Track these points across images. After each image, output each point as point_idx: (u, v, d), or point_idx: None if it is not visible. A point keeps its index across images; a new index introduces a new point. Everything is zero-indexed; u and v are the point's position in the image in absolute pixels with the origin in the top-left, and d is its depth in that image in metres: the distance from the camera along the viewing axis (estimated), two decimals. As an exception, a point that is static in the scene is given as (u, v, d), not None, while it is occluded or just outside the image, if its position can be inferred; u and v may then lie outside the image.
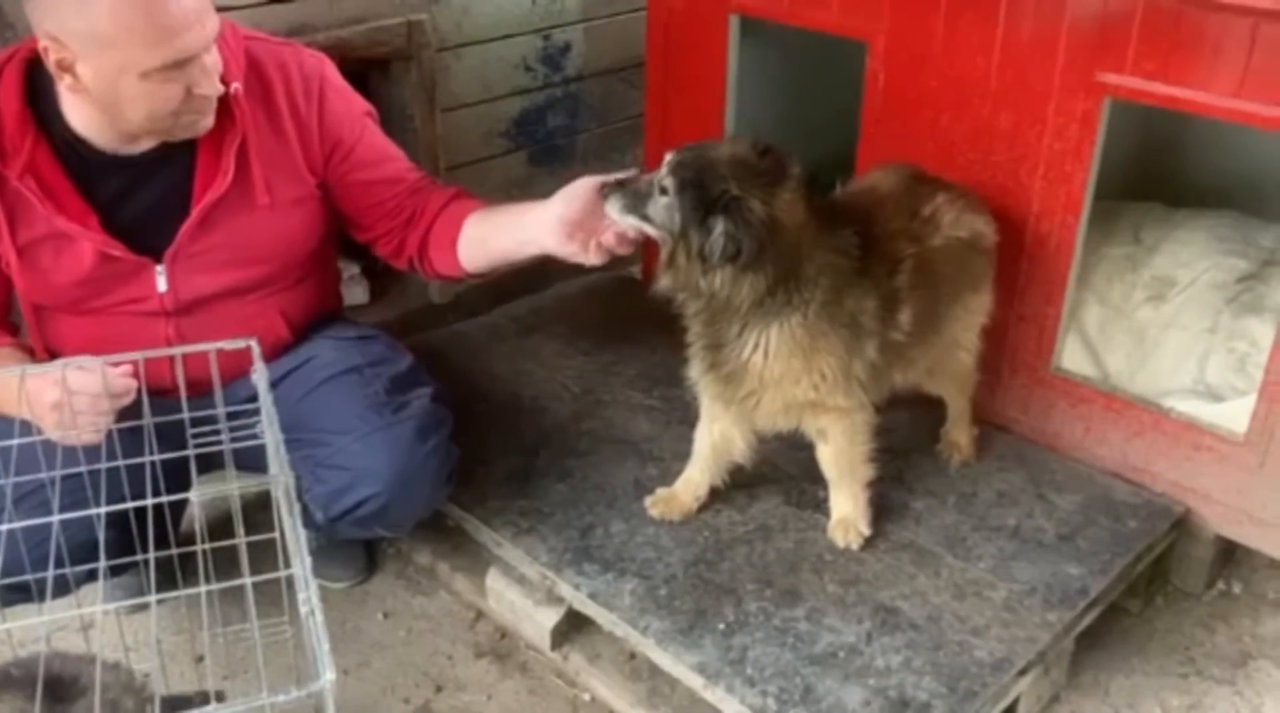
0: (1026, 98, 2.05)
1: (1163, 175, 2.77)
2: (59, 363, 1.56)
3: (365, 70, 2.58)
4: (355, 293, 2.83)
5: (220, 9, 1.68)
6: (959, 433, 2.23)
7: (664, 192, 1.69)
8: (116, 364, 1.55)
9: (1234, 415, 2.05)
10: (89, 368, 1.52)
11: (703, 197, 1.65)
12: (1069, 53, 1.97)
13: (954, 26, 2.10)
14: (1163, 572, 2.18)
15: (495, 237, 1.91)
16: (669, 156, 1.72)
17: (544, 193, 1.87)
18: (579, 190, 1.78)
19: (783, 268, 1.70)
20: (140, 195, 1.78)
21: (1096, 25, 1.92)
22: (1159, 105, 1.94)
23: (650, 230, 1.73)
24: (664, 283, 1.78)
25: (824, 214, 1.78)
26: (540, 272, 2.95)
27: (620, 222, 1.74)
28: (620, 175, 1.77)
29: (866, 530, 2.00)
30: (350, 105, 1.95)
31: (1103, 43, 1.92)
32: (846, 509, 2.00)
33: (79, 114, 1.71)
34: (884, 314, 1.84)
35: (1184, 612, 2.17)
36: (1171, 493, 2.13)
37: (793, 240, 1.70)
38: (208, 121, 1.73)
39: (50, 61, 1.60)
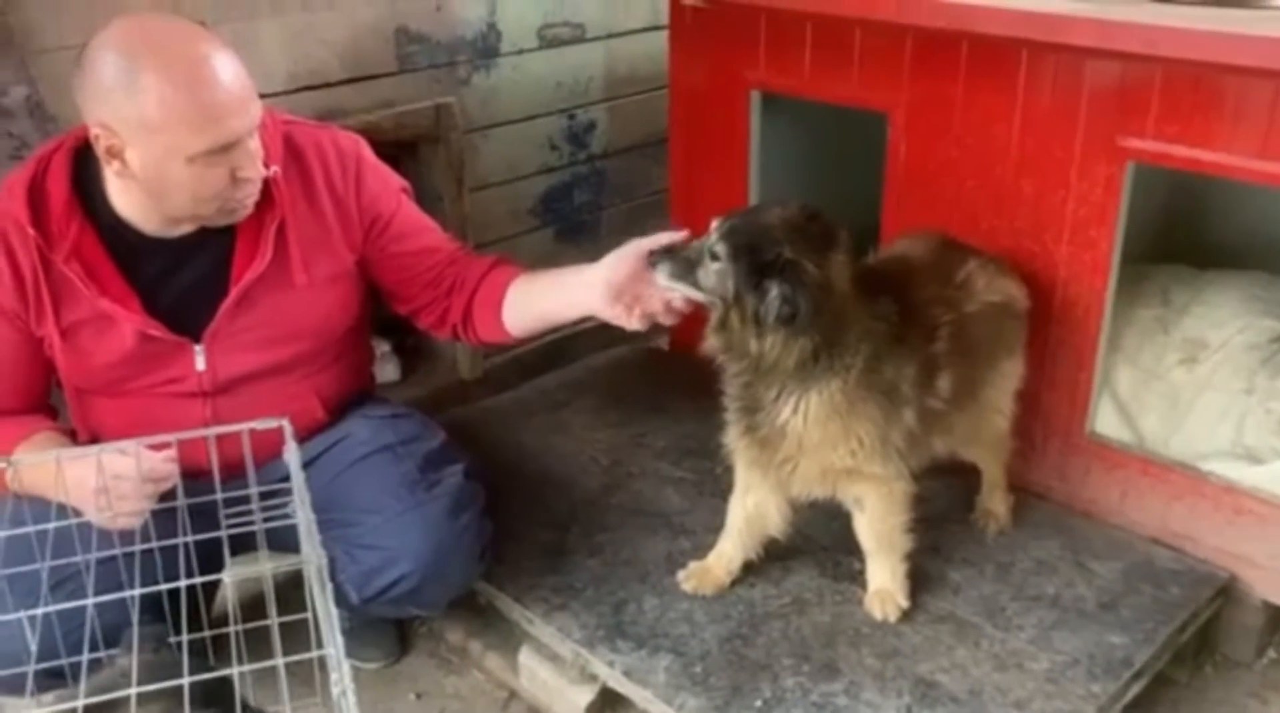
0: (1049, 164, 2.06)
1: (1190, 237, 2.77)
2: (96, 448, 1.57)
3: (395, 153, 2.63)
4: (387, 371, 2.85)
5: (258, 96, 1.72)
6: (995, 501, 2.20)
7: (716, 257, 1.69)
8: (153, 447, 1.56)
9: (1276, 478, 2.02)
10: (127, 452, 1.54)
11: (757, 260, 1.65)
12: (1089, 118, 1.98)
13: (973, 96, 2.13)
14: (1210, 640, 2.12)
15: (541, 299, 1.93)
16: (716, 223, 1.72)
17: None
18: (626, 254, 1.80)
19: (829, 332, 1.70)
20: (180, 276, 1.81)
21: (1116, 90, 1.94)
22: (1182, 168, 1.95)
23: (699, 296, 1.73)
24: (712, 344, 1.77)
25: (862, 281, 1.79)
26: (568, 346, 2.97)
27: (669, 288, 1.75)
28: (666, 238, 1.78)
29: (904, 602, 1.97)
30: (386, 182, 1.99)
31: (1124, 107, 1.94)
32: (884, 581, 1.97)
33: (125, 199, 1.75)
34: (923, 381, 1.83)
35: (1234, 681, 2.11)
36: (1215, 559, 2.09)
37: (840, 305, 1.71)
38: (249, 209, 1.77)
39: (100, 148, 1.64)
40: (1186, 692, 2.08)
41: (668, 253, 1.74)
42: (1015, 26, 1.93)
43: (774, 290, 1.63)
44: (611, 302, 1.80)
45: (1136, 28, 1.78)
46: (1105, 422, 2.25)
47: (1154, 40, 1.77)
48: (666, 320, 1.81)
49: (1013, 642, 1.91)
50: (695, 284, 1.72)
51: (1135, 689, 1.87)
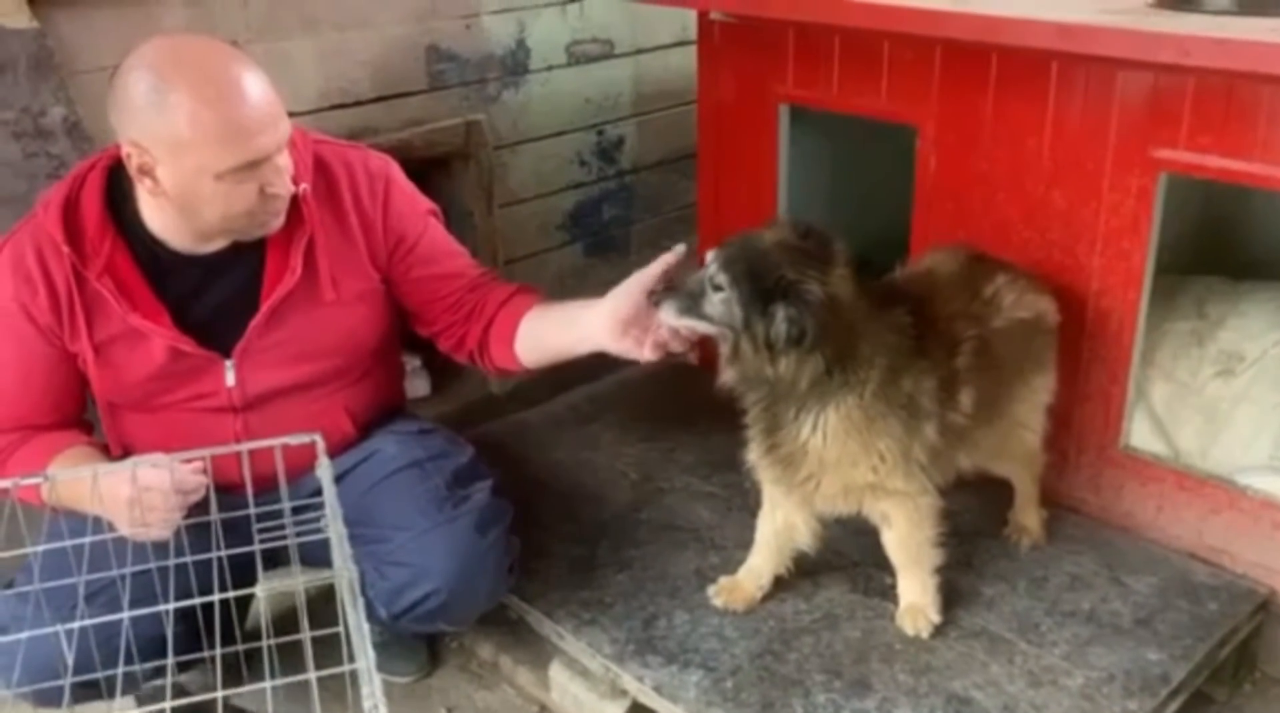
0: (1080, 176, 2.05)
1: (1225, 248, 2.74)
2: (130, 461, 1.59)
3: (425, 169, 2.65)
4: (417, 386, 2.87)
5: (286, 114, 1.75)
6: (1027, 515, 2.18)
7: (718, 288, 1.68)
8: (186, 461, 1.58)
9: (1315, 492, 1.99)
10: (160, 465, 1.56)
11: (759, 286, 1.64)
12: (1121, 130, 1.97)
13: (1003, 108, 2.12)
14: (1250, 657, 2.09)
15: (551, 335, 1.94)
16: (711, 254, 1.71)
17: (600, 282, 1.89)
18: (629, 288, 1.79)
19: (840, 347, 1.69)
20: (211, 293, 1.84)
21: (1148, 101, 1.93)
22: (1216, 179, 1.93)
23: (708, 329, 1.72)
24: (730, 376, 1.77)
25: (880, 295, 1.78)
26: (597, 360, 2.97)
27: (678, 325, 1.74)
28: (662, 265, 1.77)
29: (936, 618, 1.95)
30: (414, 205, 2.00)
31: (1156, 118, 1.92)
32: (915, 596, 1.96)
33: (157, 216, 1.77)
34: (944, 395, 1.82)
35: (1275, 699, 2.07)
36: (1253, 574, 2.06)
37: (848, 319, 1.70)
38: (279, 221, 1.79)
39: (132, 166, 1.67)
40: (1225, 710, 2.05)
41: (669, 290, 1.73)
42: (1045, 38, 1.91)
43: (780, 313, 1.63)
44: (619, 337, 1.79)
45: (1168, 38, 1.76)
46: (1140, 435, 2.22)
47: (1186, 50, 1.75)
48: (678, 348, 1.81)
49: (1047, 658, 1.89)
50: (702, 317, 1.71)
51: (1172, 707, 1.84)
